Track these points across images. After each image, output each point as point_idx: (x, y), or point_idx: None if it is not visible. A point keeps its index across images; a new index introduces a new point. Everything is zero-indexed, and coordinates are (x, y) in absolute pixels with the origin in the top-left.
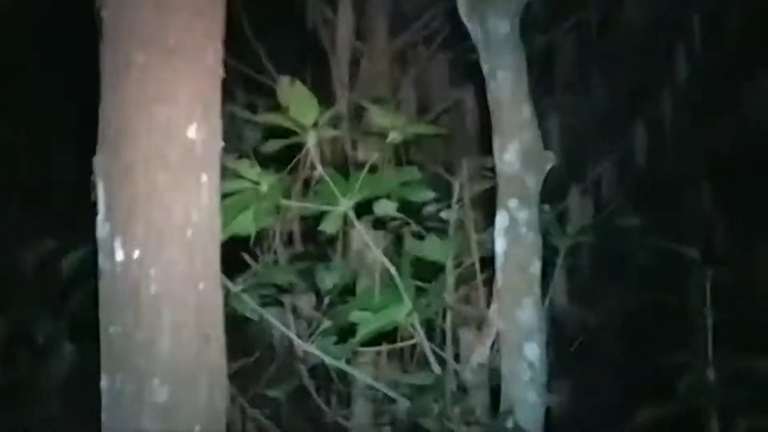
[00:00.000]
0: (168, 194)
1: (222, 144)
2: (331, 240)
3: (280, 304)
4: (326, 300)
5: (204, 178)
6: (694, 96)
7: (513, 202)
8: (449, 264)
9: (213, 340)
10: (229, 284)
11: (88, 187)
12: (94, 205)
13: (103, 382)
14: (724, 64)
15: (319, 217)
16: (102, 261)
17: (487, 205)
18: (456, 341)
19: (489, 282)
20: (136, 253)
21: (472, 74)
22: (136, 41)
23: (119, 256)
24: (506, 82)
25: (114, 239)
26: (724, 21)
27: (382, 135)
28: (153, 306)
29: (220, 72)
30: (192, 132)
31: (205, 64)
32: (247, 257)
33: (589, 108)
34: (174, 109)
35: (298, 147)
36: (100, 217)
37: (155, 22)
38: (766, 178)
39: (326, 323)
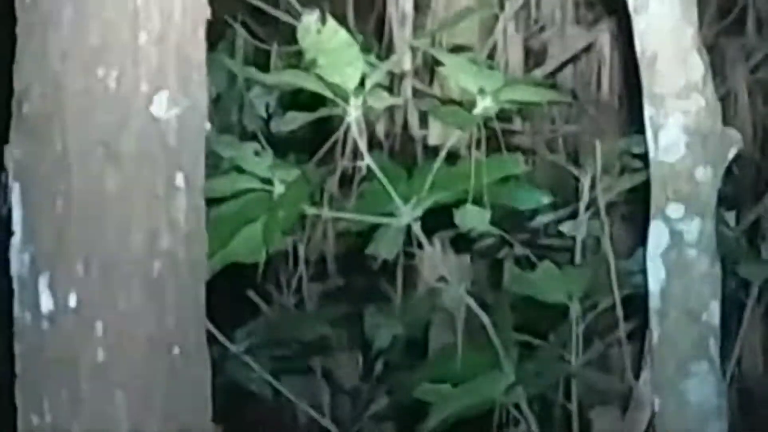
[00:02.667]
0: (121, 205)
1: (208, 125)
2: (388, 270)
3: (308, 370)
4: (380, 364)
5: (180, 178)
6: None
7: (676, 210)
8: (575, 307)
9: None
10: (226, 342)
11: None
12: (6, 221)
13: None
14: None
15: (369, 233)
16: (19, 311)
17: (634, 214)
18: (586, 431)
19: (639, 336)
20: (73, 300)
21: (608, 6)
22: None
23: (46, 303)
24: (665, 18)
25: (38, 277)
26: None
27: (467, 104)
28: (100, 384)
29: (206, 10)
30: (160, 106)
31: None
32: (255, 298)
33: None
34: (132, 69)
35: (333, 124)
36: (16, 242)
37: None
38: None
39: (380, 401)
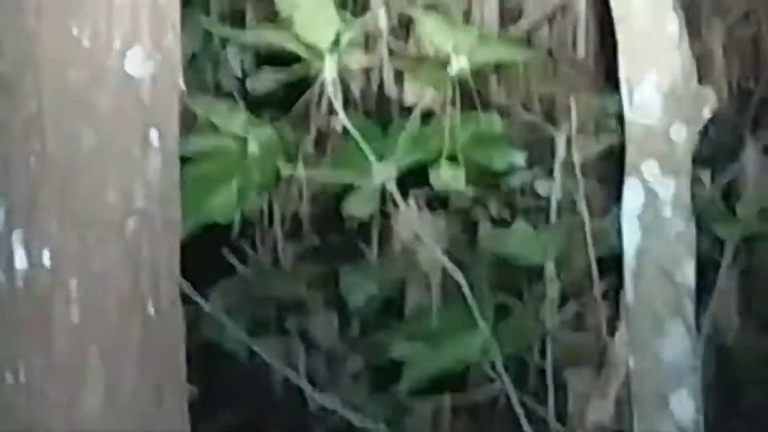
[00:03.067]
0: (96, 163)
1: (182, 80)
2: (363, 229)
3: (283, 330)
4: (356, 324)
5: (154, 135)
6: None
7: (651, 168)
8: (550, 267)
9: (168, 395)
10: (200, 301)
11: None
12: None
13: None
14: None
15: (344, 193)
16: None
17: (609, 173)
18: (562, 389)
19: (613, 295)
20: (47, 258)
21: None
22: None
23: (20, 261)
24: None
25: (11, 234)
26: None
27: (443, 62)
28: (74, 342)
29: None
30: (134, 63)
31: None
32: (229, 257)
33: None
34: (105, 26)
35: (308, 82)
36: None
37: None
38: None
39: (356, 361)
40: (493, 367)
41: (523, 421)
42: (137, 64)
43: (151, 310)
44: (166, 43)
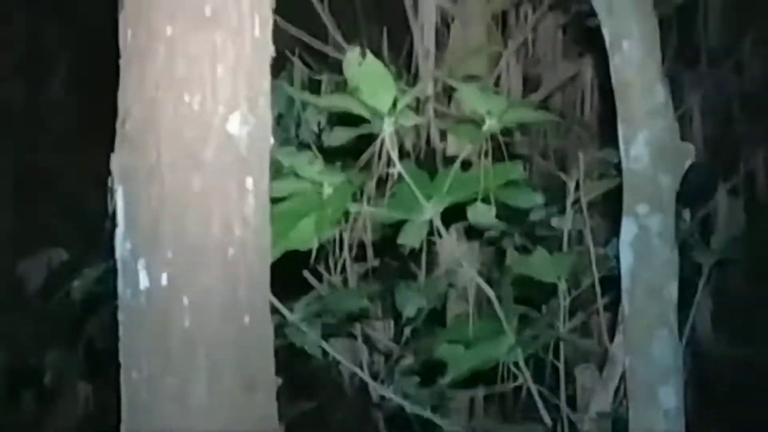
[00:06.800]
0: (204, 203)
1: (272, 136)
2: (414, 254)
3: (351, 335)
4: (408, 330)
5: (249, 181)
6: None
7: (642, 207)
8: (562, 285)
9: (260, 387)
10: (285, 312)
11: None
12: (113, 216)
13: None
14: None
15: (399, 225)
16: (122, 288)
17: (610, 210)
18: (571, 383)
19: (613, 308)
20: (165, 279)
21: (590, 44)
22: (165, 10)
23: (144, 282)
24: (634, 55)
25: (137, 261)
26: None
27: (478, 122)
28: (186, 345)
29: (269, 47)
30: (234, 124)
31: (251, 37)
32: (308, 277)
33: (740, 85)
34: (211, 95)
35: (371, 138)
36: (120, 232)
37: None
38: None
39: (408, 359)
40: (517, 365)
41: (541, 407)
42: (236, 125)
43: (246, 319)
44: (260, 107)
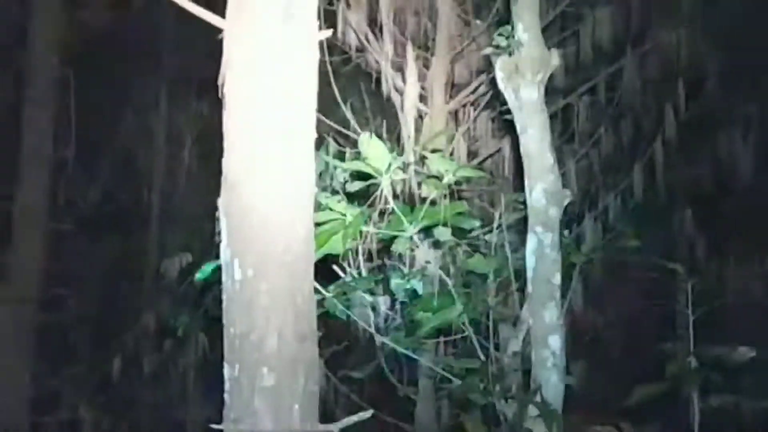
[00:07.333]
0: (275, 229)
1: (315, 188)
2: (401, 257)
3: (363, 305)
4: (398, 302)
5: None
6: (680, 143)
7: (540, 229)
8: (491, 276)
9: (308, 339)
10: (324, 291)
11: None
12: (219, 234)
13: (225, 371)
14: (703, 118)
15: (392, 239)
16: (225, 278)
17: (520, 230)
18: (496, 335)
19: (521, 289)
20: (251, 273)
21: (508, 129)
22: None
23: (238, 275)
24: (534, 137)
25: (234, 262)
26: (703, 84)
27: (440, 177)
28: (263, 314)
29: (313, 133)
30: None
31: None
32: (337, 270)
33: (599, 155)
34: (285, 164)
35: (376, 186)
36: (223, 244)
37: None
38: (734, 207)
39: (398, 320)
40: (464, 324)
41: (478, 349)
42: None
43: (299, 299)
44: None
